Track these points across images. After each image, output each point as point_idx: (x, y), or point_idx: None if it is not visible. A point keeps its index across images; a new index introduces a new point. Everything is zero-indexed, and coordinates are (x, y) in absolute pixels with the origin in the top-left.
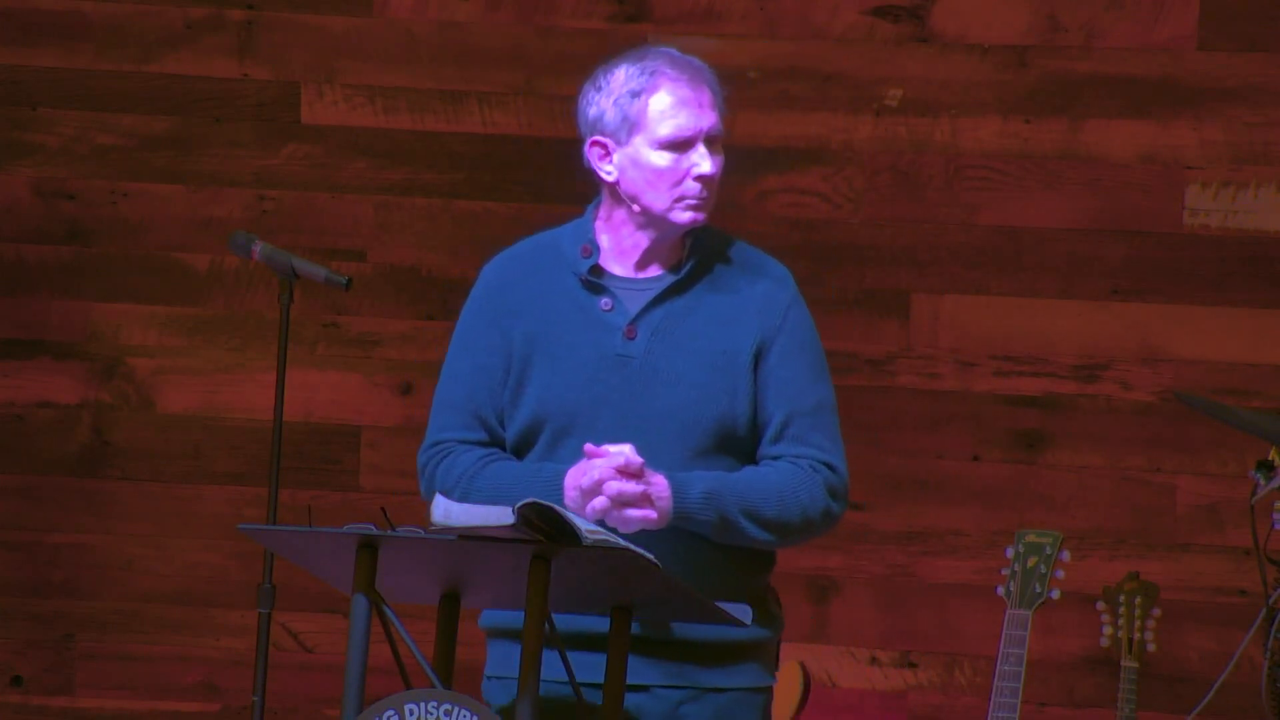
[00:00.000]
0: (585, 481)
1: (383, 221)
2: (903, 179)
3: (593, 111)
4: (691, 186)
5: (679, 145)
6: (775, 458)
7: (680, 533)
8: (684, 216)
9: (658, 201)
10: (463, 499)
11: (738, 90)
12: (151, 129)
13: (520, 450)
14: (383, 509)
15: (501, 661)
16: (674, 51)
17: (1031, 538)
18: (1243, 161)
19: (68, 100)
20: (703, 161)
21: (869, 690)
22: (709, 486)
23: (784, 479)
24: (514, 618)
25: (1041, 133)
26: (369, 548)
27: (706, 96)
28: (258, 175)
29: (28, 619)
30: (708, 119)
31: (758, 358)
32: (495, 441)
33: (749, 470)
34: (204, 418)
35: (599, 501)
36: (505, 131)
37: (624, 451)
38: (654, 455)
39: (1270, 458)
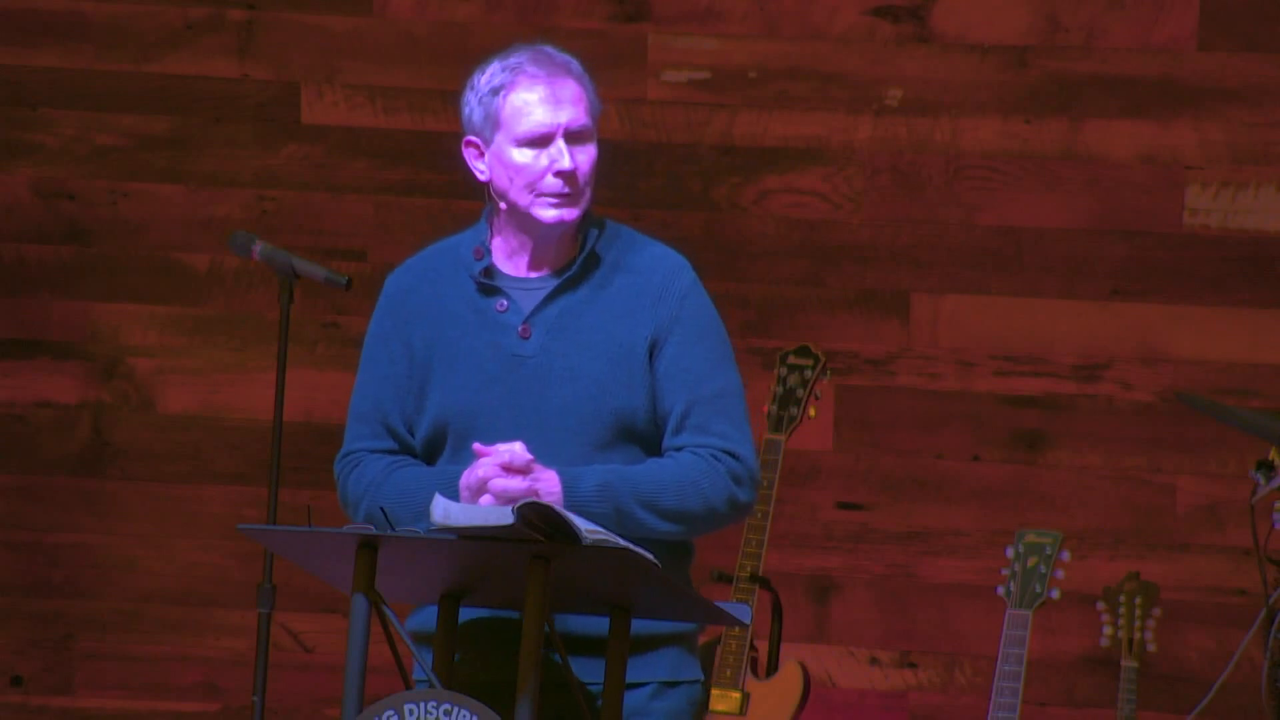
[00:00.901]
0: (471, 480)
1: (383, 221)
2: (903, 179)
3: (465, 111)
4: (551, 183)
5: (537, 141)
6: (678, 448)
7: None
8: (548, 214)
9: (521, 199)
10: (372, 505)
11: (738, 90)
12: (151, 129)
13: (430, 455)
14: (382, 509)
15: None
16: (546, 47)
17: (1031, 538)
18: (1243, 161)
19: (68, 100)
20: (561, 157)
21: (869, 690)
22: (602, 479)
23: (683, 468)
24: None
25: (1041, 133)
26: (369, 548)
27: (568, 92)
28: (258, 175)
29: (28, 619)
30: (566, 114)
31: (654, 349)
32: (406, 449)
33: (650, 462)
34: (204, 418)
35: (485, 500)
36: None
37: (511, 449)
38: (554, 451)
39: (1270, 458)
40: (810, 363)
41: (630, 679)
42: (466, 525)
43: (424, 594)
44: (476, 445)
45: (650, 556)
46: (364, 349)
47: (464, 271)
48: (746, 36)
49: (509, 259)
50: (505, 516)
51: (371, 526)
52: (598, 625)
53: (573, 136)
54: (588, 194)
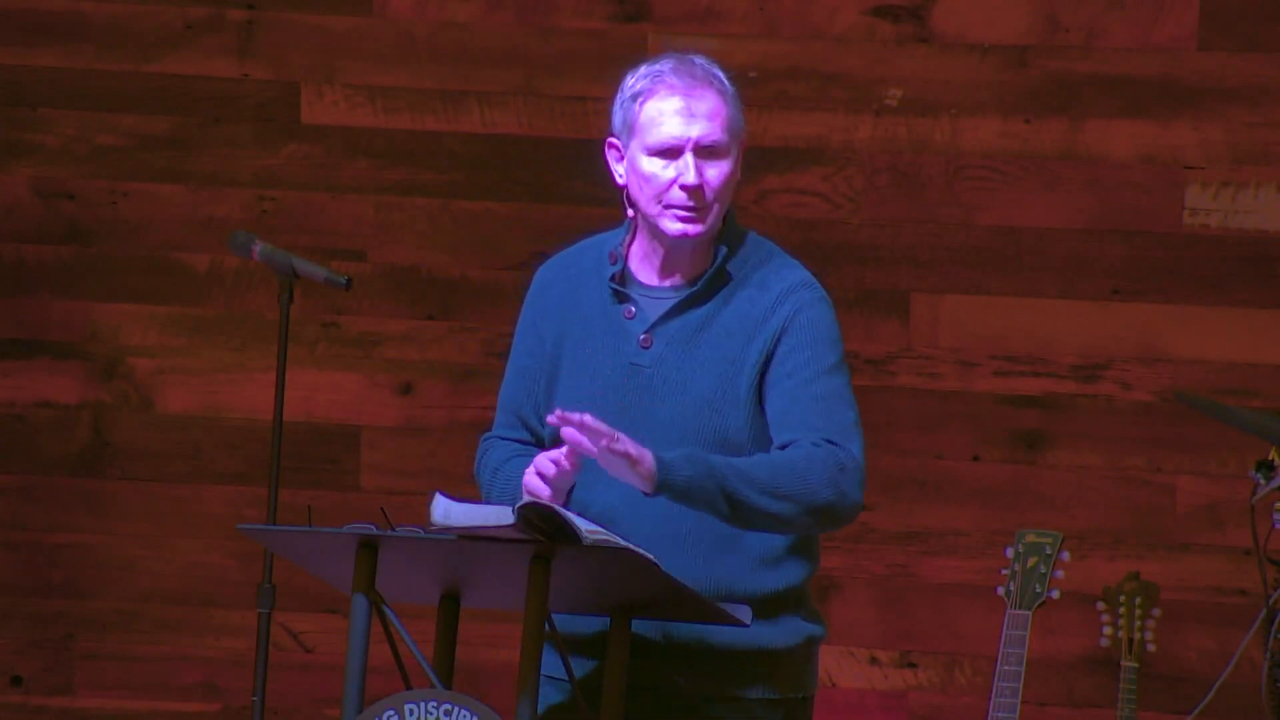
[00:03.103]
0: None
1: (383, 221)
2: (903, 179)
3: (612, 112)
4: (676, 196)
5: (667, 153)
6: (782, 446)
7: (701, 533)
8: (673, 228)
9: (649, 208)
10: (489, 490)
11: (738, 90)
12: (151, 129)
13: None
14: (383, 509)
15: (551, 663)
16: (697, 58)
17: (1031, 538)
18: (1243, 161)
19: (68, 100)
20: (687, 171)
21: (869, 690)
22: (691, 452)
23: (780, 454)
24: (567, 621)
25: (1041, 133)
26: (369, 548)
27: (705, 106)
28: (258, 175)
29: (28, 619)
30: (699, 128)
31: (765, 365)
32: (538, 439)
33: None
34: (204, 418)
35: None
36: (505, 131)
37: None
38: None
39: (1270, 458)
40: None
41: (729, 693)
42: (466, 525)
43: (424, 594)
44: (552, 417)
45: (651, 557)
46: (514, 337)
47: (603, 274)
48: (746, 36)
49: (643, 265)
50: (505, 516)
51: (372, 526)
52: (700, 631)
53: (704, 151)
54: (716, 209)
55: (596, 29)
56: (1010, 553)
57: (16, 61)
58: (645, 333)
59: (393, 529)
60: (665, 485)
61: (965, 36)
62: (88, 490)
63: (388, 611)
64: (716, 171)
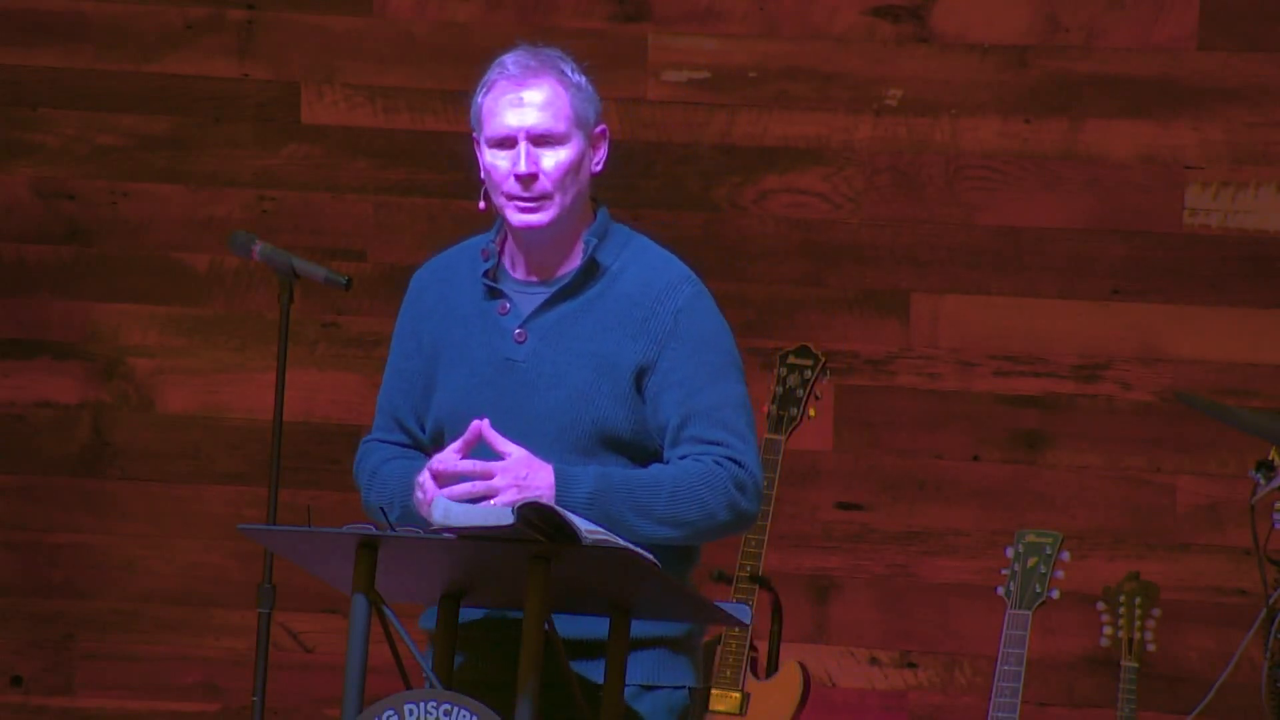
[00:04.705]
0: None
1: (383, 221)
2: (903, 179)
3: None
4: (512, 185)
5: (503, 143)
6: (680, 458)
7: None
8: (515, 219)
9: (497, 200)
10: (368, 495)
11: (738, 90)
12: (151, 129)
13: (438, 450)
14: (383, 509)
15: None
16: (542, 47)
17: (1031, 538)
18: (1243, 161)
19: (68, 100)
20: (519, 160)
21: (869, 690)
22: (595, 487)
23: (680, 473)
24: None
25: (1041, 133)
26: (369, 548)
27: (540, 95)
28: (258, 175)
29: (28, 619)
30: (531, 117)
31: (646, 367)
32: (416, 443)
33: (652, 466)
34: (204, 418)
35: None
36: None
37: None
38: (539, 457)
39: (1270, 458)
40: (810, 363)
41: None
42: (466, 525)
43: (424, 594)
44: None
45: (651, 557)
46: (391, 341)
47: (478, 271)
48: (746, 36)
49: (513, 261)
50: (505, 517)
51: (372, 526)
52: (584, 625)
53: (539, 140)
54: (559, 199)
55: (596, 29)
56: (1010, 553)
57: (16, 61)
58: (519, 327)
59: (393, 529)
60: (565, 505)
61: (965, 36)
62: (88, 490)
63: (388, 611)
64: (554, 160)
